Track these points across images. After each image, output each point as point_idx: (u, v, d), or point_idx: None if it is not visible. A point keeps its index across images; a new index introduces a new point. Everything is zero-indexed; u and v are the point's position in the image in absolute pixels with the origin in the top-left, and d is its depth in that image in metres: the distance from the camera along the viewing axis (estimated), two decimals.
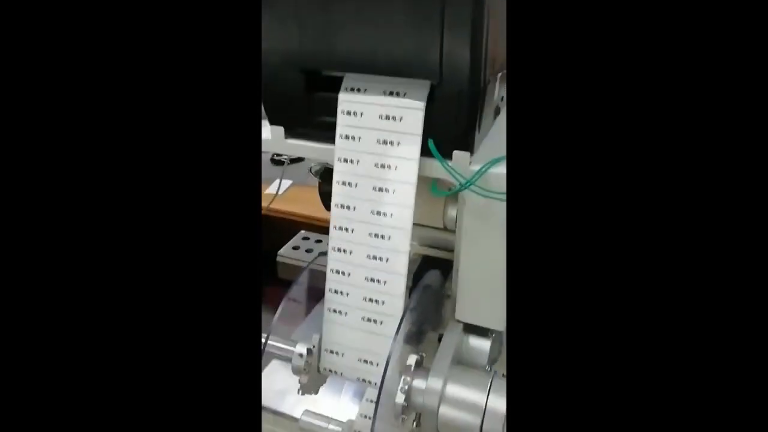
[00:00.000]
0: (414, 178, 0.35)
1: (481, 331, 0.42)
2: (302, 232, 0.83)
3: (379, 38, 0.33)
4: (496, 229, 0.36)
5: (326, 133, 0.37)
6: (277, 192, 0.69)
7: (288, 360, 0.42)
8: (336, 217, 0.38)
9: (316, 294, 0.47)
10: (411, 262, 0.38)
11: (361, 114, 0.36)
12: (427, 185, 0.38)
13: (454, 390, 0.37)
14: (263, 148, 0.38)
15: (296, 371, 0.41)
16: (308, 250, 0.78)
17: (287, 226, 0.95)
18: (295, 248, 0.79)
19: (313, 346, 0.40)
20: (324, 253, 0.76)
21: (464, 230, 0.37)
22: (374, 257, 0.37)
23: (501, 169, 0.34)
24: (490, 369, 0.42)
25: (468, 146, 0.35)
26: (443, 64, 0.32)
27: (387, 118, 0.35)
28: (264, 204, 0.48)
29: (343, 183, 0.37)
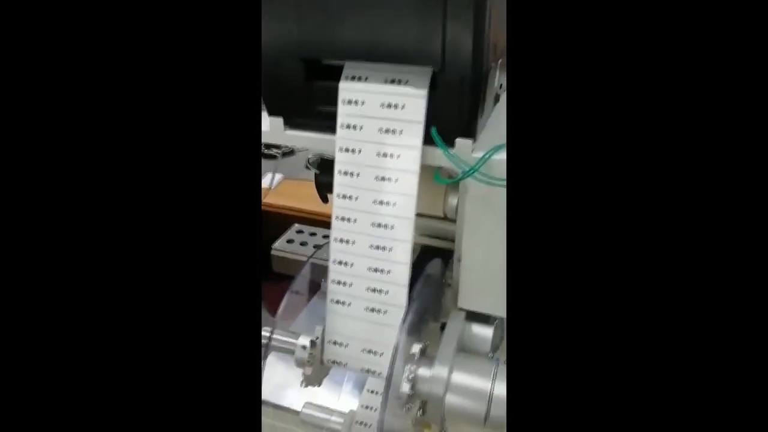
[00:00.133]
0: (417, 167, 0.35)
1: (483, 319, 0.42)
2: (296, 225, 0.82)
3: (380, 25, 0.33)
4: (498, 216, 0.36)
5: (326, 122, 0.37)
6: (270, 186, 0.69)
7: (289, 352, 0.41)
8: (338, 207, 0.38)
9: (313, 287, 0.47)
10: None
11: (363, 103, 0.35)
12: (427, 174, 0.37)
13: (459, 378, 0.37)
14: (262, 140, 0.37)
15: (299, 363, 0.41)
16: (303, 243, 0.78)
17: (280, 220, 0.94)
18: (290, 241, 0.78)
19: (317, 338, 0.40)
20: (318, 247, 0.75)
21: (467, 218, 0.37)
22: (377, 247, 0.37)
23: (504, 156, 0.34)
24: (493, 356, 0.42)
25: (471, 133, 0.34)
26: (446, 50, 0.32)
27: (388, 106, 0.35)
28: None
29: (345, 173, 0.37)
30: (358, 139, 0.36)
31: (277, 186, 0.99)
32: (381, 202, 0.36)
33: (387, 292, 0.38)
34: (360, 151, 0.36)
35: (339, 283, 0.39)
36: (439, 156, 0.35)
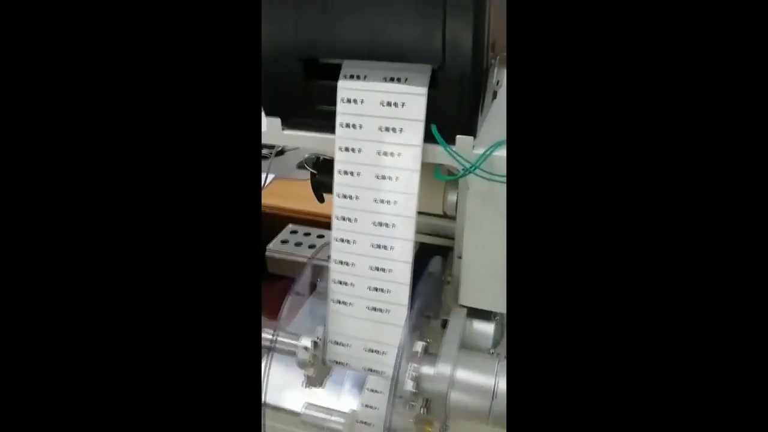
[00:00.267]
0: (418, 165, 0.35)
1: (484, 315, 0.42)
2: (290, 225, 0.82)
3: (379, 24, 0.33)
4: (499, 212, 0.36)
5: (325, 122, 0.36)
6: (263, 186, 0.68)
7: (291, 354, 0.41)
8: (338, 207, 0.37)
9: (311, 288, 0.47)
10: None
11: (362, 101, 0.35)
12: (426, 172, 0.37)
13: (463, 375, 0.37)
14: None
15: (302, 365, 0.40)
16: (297, 244, 0.77)
17: (272, 221, 0.93)
18: (284, 242, 0.78)
19: (318, 338, 0.40)
20: (313, 247, 0.75)
21: (468, 215, 0.37)
22: (379, 246, 0.37)
23: (504, 152, 0.34)
24: (494, 351, 0.42)
25: (471, 130, 0.34)
26: (446, 47, 0.32)
27: (388, 104, 0.35)
28: None
29: (345, 172, 0.37)
30: (358, 138, 0.36)
31: (268, 186, 0.98)
32: (382, 201, 0.36)
33: (389, 291, 0.38)
34: (360, 150, 0.36)
35: (340, 282, 0.39)
36: (439, 153, 0.35)
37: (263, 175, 0.86)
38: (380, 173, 0.36)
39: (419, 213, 0.46)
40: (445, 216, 0.46)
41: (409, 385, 0.37)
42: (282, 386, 0.60)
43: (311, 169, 0.47)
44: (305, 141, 0.39)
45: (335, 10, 0.33)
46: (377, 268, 0.37)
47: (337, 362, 0.41)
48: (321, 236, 0.79)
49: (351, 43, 0.34)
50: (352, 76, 0.35)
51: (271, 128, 0.38)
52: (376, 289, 0.38)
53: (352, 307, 0.39)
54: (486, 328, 0.42)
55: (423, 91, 0.34)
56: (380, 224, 0.37)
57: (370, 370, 0.40)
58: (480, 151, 0.35)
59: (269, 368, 0.39)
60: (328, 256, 0.56)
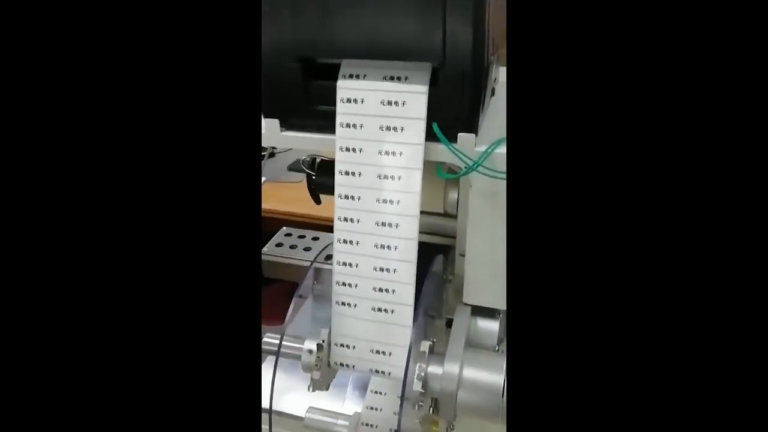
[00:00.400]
0: (420, 164, 0.35)
1: (489, 313, 0.42)
2: (284, 228, 0.81)
3: (378, 22, 0.32)
4: (502, 209, 0.36)
5: (325, 122, 0.36)
6: None
7: (296, 358, 0.41)
8: (340, 207, 0.37)
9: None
10: None
11: (362, 101, 0.35)
12: (425, 170, 0.37)
13: (470, 373, 0.37)
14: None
15: (307, 368, 0.40)
16: (292, 246, 0.76)
17: (264, 225, 0.93)
18: (279, 245, 0.77)
19: (323, 341, 0.40)
20: (308, 249, 0.74)
21: (471, 212, 0.37)
22: (382, 246, 0.37)
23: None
24: (498, 349, 0.42)
25: (473, 128, 0.34)
26: (446, 44, 0.32)
27: (389, 103, 0.34)
28: None
29: (346, 173, 0.36)
30: (359, 138, 0.35)
31: None
32: (384, 201, 0.36)
33: (393, 291, 0.37)
34: (361, 150, 0.36)
35: (344, 284, 0.38)
36: (441, 152, 0.35)
37: None
38: (382, 173, 0.36)
39: (420, 212, 0.46)
40: (444, 215, 0.45)
41: (417, 386, 0.37)
42: (282, 390, 0.59)
43: (308, 171, 0.46)
44: (304, 142, 0.38)
45: (334, 9, 0.33)
46: (381, 269, 0.37)
47: (342, 364, 0.40)
48: (316, 238, 0.78)
49: (350, 43, 0.34)
50: (351, 76, 0.35)
51: (269, 130, 0.38)
52: (380, 290, 0.38)
53: (356, 308, 0.38)
54: (490, 326, 0.41)
55: (424, 89, 0.33)
56: (383, 224, 0.36)
57: (376, 371, 0.39)
58: (482, 148, 0.34)
59: (275, 373, 0.39)
60: (326, 257, 0.55)
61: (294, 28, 0.34)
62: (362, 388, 0.59)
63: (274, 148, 1.27)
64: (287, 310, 0.77)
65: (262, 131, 0.38)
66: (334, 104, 0.35)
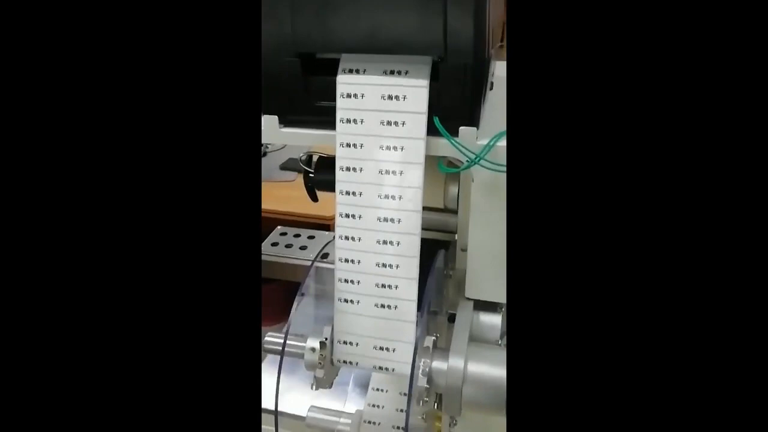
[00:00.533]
0: (422, 158, 0.34)
1: (491, 307, 0.42)
2: (279, 227, 0.81)
3: (377, 15, 0.32)
4: (504, 202, 0.36)
5: (324, 118, 0.36)
6: None
7: (298, 356, 0.40)
8: (341, 204, 0.37)
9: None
10: None
11: (362, 96, 0.35)
12: (425, 165, 0.37)
13: (475, 368, 0.37)
14: None
15: (310, 366, 0.40)
16: (288, 246, 0.76)
17: None
18: (274, 244, 0.77)
19: (326, 339, 0.39)
20: (304, 248, 0.74)
21: (473, 206, 0.37)
22: (385, 242, 0.36)
23: None
24: (501, 342, 0.42)
25: (474, 121, 0.34)
26: (447, 37, 0.31)
27: (390, 98, 0.34)
28: None
29: (347, 168, 0.36)
30: (359, 134, 0.35)
31: None
32: (386, 196, 0.36)
33: (396, 287, 0.37)
34: (362, 146, 0.35)
35: (346, 281, 0.38)
36: (442, 146, 0.35)
37: None
38: (383, 168, 0.35)
39: None
40: (444, 210, 0.45)
41: (422, 381, 0.36)
42: (282, 390, 0.59)
43: (306, 168, 0.46)
44: (304, 138, 0.38)
45: (333, 2, 0.32)
46: (383, 265, 0.37)
47: (345, 362, 0.40)
48: (311, 237, 0.78)
49: (349, 37, 0.33)
50: (350, 71, 0.35)
51: (268, 126, 0.37)
52: (382, 286, 0.37)
53: (358, 305, 0.38)
54: (493, 320, 0.41)
55: (424, 83, 0.33)
56: (385, 220, 0.36)
57: (380, 368, 0.39)
58: (483, 141, 0.34)
59: (279, 373, 0.39)
60: (322, 255, 0.55)
61: (292, 23, 0.33)
62: (362, 386, 0.59)
63: (266, 146, 1.27)
64: (284, 310, 0.77)
65: (262, 128, 0.38)
66: (334, 100, 0.35)
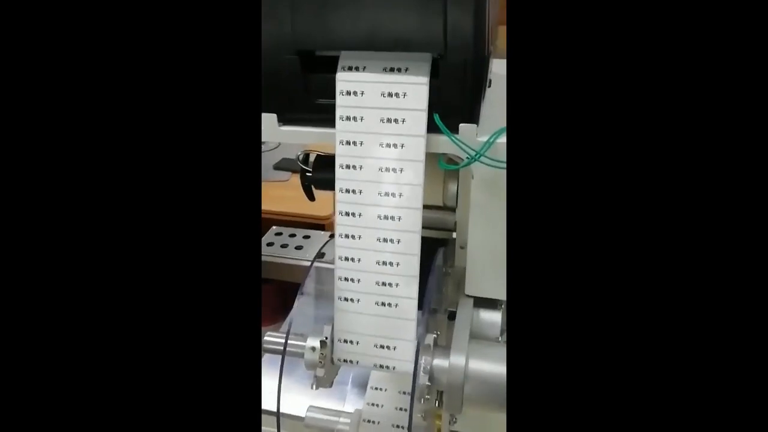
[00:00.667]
0: (422, 155, 0.34)
1: (490, 304, 0.42)
2: (274, 227, 0.80)
3: (377, 12, 0.32)
4: (504, 199, 0.36)
5: (324, 115, 0.36)
6: None
7: (298, 356, 0.40)
8: (341, 202, 0.37)
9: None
10: None
11: (362, 93, 0.34)
12: (427, 162, 0.37)
13: (476, 365, 0.37)
14: None
15: (310, 365, 0.39)
16: (283, 246, 0.76)
17: None
18: (269, 245, 0.76)
19: (326, 338, 0.39)
20: (300, 248, 0.73)
21: (473, 203, 0.37)
22: (385, 240, 0.36)
23: None
24: (501, 339, 0.42)
25: (474, 118, 0.34)
26: (447, 34, 0.31)
27: (390, 95, 0.34)
28: None
29: (347, 166, 0.36)
30: (359, 131, 0.35)
31: None
32: (386, 194, 0.36)
33: (397, 285, 0.37)
34: (362, 143, 0.35)
35: (346, 279, 0.38)
36: (442, 143, 0.35)
37: None
38: (383, 165, 0.35)
39: None
40: (443, 208, 0.45)
41: (424, 379, 0.36)
42: (274, 390, 0.59)
43: (304, 167, 0.46)
44: (303, 136, 0.38)
45: (332, 0, 0.32)
46: (384, 263, 0.37)
47: (345, 361, 0.40)
48: (307, 237, 0.78)
49: (349, 34, 0.33)
50: (350, 68, 0.34)
51: (266, 125, 0.37)
52: (383, 284, 0.37)
53: (359, 303, 0.38)
54: (493, 317, 0.41)
55: (425, 80, 0.33)
56: (385, 217, 0.36)
57: (381, 366, 0.39)
58: (483, 138, 0.34)
59: (281, 374, 0.38)
60: (317, 254, 0.55)
61: (292, 20, 0.33)
62: (361, 386, 0.58)
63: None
64: (280, 310, 0.77)
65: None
66: (333, 97, 0.35)
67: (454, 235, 0.46)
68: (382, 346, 0.39)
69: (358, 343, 0.39)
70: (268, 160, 1.23)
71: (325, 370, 0.39)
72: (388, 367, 0.39)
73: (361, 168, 0.36)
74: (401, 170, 0.35)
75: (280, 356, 0.40)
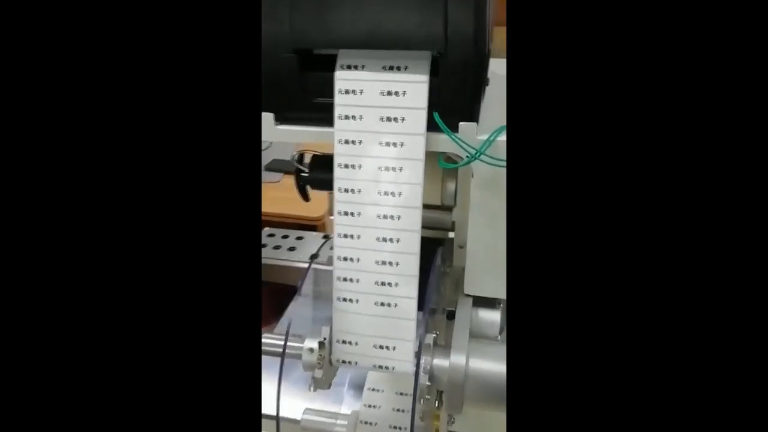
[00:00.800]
0: (422, 154, 0.34)
1: (490, 303, 0.42)
2: (267, 229, 0.80)
3: (376, 10, 0.32)
4: (504, 198, 0.36)
5: (322, 114, 0.35)
6: None
7: (296, 357, 0.40)
8: (340, 202, 0.36)
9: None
10: None
11: (361, 92, 0.34)
12: (426, 161, 0.37)
13: (477, 364, 0.37)
14: None
15: (308, 367, 0.39)
16: (276, 247, 0.75)
17: None
18: (262, 246, 0.76)
19: (324, 339, 0.39)
20: (293, 249, 0.73)
21: (472, 202, 0.37)
22: (384, 239, 0.36)
23: None
24: (500, 338, 0.42)
25: (474, 116, 0.34)
26: (448, 32, 0.31)
27: (389, 94, 0.34)
28: None
29: (345, 166, 0.36)
30: (358, 130, 0.35)
31: None
32: (386, 193, 0.35)
33: (396, 285, 0.37)
34: (360, 142, 0.35)
35: (345, 279, 0.38)
36: (442, 141, 0.34)
37: None
38: (382, 164, 0.35)
39: None
40: (441, 207, 0.45)
41: (424, 379, 0.36)
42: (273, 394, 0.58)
43: (300, 167, 0.45)
44: (301, 135, 0.37)
45: None
46: (383, 262, 0.37)
47: (344, 361, 0.40)
48: (300, 238, 0.77)
49: (347, 32, 0.33)
50: (349, 66, 0.34)
51: (263, 124, 0.37)
52: (383, 284, 0.37)
53: (358, 303, 0.38)
54: (492, 316, 0.41)
55: (424, 78, 0.33)
56: (385, 217, 0.36)
57: (380, 367, 0.39)
58: (483, 136, 0.34)
59: (281, 376, 0.38)
60: (311, 257, 0.54)
61: (289, 18, 0.33)
62: (358, 388, 0.58)
63: None
64: (274, 313, 0.76)
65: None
66: (332, 96, 0.35)
67: (451, 234, 0.46)
68: (381, 347, 0.38)
69: (357, 343, 0.39)
70: None
71: (324, 372, 0.39)
72: (387, 368, 0.39)
73: (360, 167, 0.35)
74: (401, 169, 0.35)
75: (275, 358, 0.40)
